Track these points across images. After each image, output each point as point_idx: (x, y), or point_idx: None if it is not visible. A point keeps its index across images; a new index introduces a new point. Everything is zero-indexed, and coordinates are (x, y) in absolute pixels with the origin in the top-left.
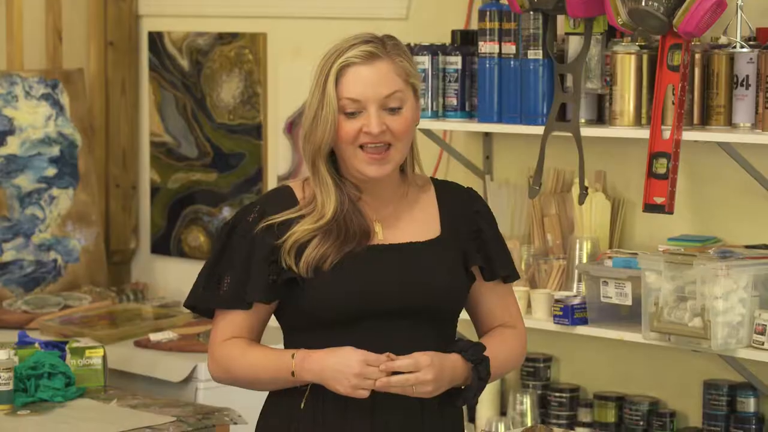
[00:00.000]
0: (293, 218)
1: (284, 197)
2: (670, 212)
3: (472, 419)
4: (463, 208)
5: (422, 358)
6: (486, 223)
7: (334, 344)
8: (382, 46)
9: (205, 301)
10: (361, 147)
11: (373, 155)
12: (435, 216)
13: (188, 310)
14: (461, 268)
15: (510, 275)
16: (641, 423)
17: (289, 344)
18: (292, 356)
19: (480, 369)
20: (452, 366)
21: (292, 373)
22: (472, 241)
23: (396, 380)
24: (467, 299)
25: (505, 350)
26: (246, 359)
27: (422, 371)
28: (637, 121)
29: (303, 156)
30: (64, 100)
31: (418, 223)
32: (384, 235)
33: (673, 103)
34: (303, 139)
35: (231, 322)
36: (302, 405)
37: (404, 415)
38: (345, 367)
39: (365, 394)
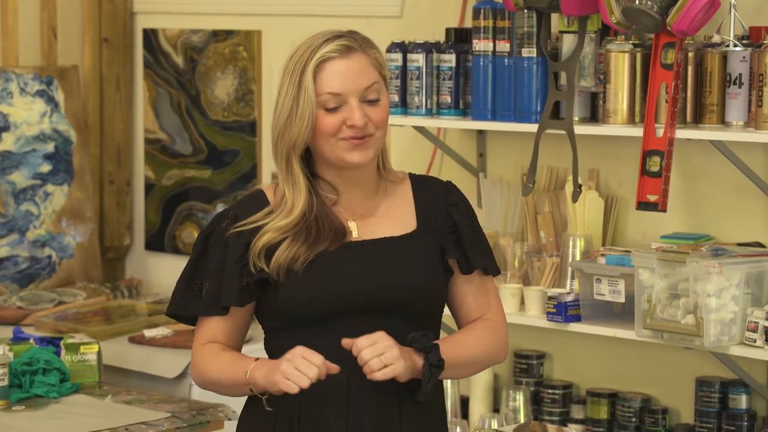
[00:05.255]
0: (265, 222)
1: (257, 201)
2: (663, 210)
3: (465, 416)
4: (439, 202)
5: (380, 333)
6: (461, 215)
7: (312, 343)
8: (354, 40)
9: (184, 309)
10: (342, 138)
11: (355, 141)
12: (411, 210)
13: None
14: (438, 262)
15: (488, 267)
16: (634, 419)
17: (269, 344)
18: (256, 359)
19: (430, 356)
20: (408, 352)
21: (246, 374)
22: (449, 235)
23: (366, 351)
24: (447, 294)
25: (471, 341)
26: (215, 362)
27: (379, 339)
28: (631, 119)
29: (275, 154)
30: (59, 96)
31: (394, 218)
32: (359, 232)
33: (667, 102)
34: (276, 137)
35: (209, 328)
36: (264, 402)
37: (380, 416)
38: (283, 357)
39: (291, 385)
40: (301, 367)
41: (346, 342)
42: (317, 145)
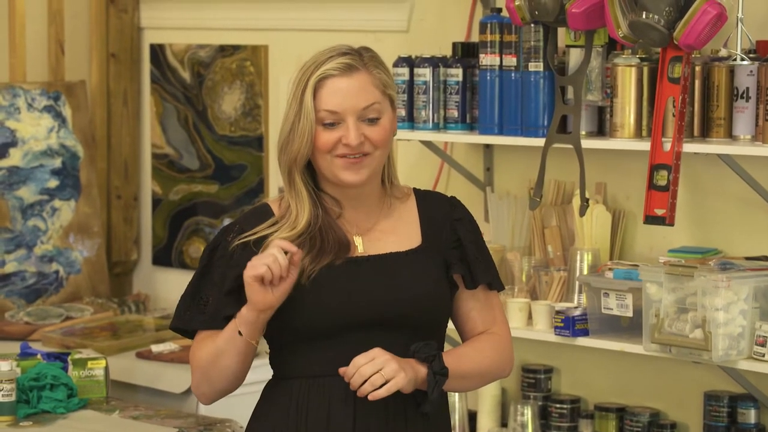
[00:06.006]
0: (269, 233)
1: (262, 214)
2: (671, 224)
3: (473, 430)
4: (443, 217)
5: (377, 350)
6: (466, 231)
7: (317, 357)
8: (359, 58)
9: (188, 323)
10: (338, 155)
11: (350, 160)
12: (416, 226)
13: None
14: (443, 277)
15: (492, 283)
16: None
17: (274, 359)
18: None
19: (434, 365)
20: (409, 363)
21: (234, 318)
22: (453, 250)
23: (366, 368)
24: (452, 308)
25: (475, 354)
26: (208, 344)
27: (376, 355)
28: (638, 133)
29: (279, 167)
30: (67, 112)
31: (398, 233)
32: (365, 247)
33: (674, 116)
34: (279, 149)
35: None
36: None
37: (387, 421)
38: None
39: (259, 268)
40: (263, 257)
41: (342, 370)
42: (315, 160)
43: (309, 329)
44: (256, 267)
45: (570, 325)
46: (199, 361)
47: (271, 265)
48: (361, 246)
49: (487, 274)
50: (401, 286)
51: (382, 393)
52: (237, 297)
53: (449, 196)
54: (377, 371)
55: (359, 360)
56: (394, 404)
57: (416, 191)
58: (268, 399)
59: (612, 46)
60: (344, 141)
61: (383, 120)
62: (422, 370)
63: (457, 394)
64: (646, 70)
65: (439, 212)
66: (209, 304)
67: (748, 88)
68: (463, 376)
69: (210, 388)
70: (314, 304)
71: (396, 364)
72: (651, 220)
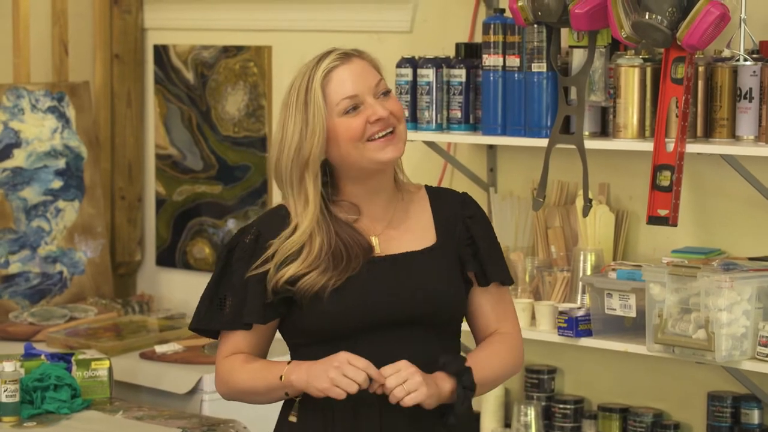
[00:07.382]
0: (292, 256)
1: (280, 218)
2: (674, 224)
3: (476, 430)
4: (456, 214)
5: (403, 362)
6: (479, 227)
7: None
8: (349, 50)
9: (207, 323)
10: (369, 139)
11: (383, 139)
12: (430, 223)
13: None
14: (458, 275)
15: (504, 280)
16: None
17: (294, 358)
18: (288, 363)
19: (463, 379)
20: (435, 380)
21: (281, 377)
22: (466, 247)
23: (390, 380)
24: (467, 305)
25: (496, 360)
26: (245, 370)
27: (401, 368)
28: (641, 134)
29: (285, 184)
30: (70, 112)
31: (413, 232)
32: (381, 247)
33: (677, 116)
34: (291, 160)
35: (233, 341)
36: (293, 418)
37: (413, 428)
38: (327, 362)
39: (341, 393)
40: (349, 374)
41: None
42: (343, 156)
43: (328, 331)
44: (339, 394)
45: (573, 325)
46: (228, 381)
47: (359, 386)
48: (377, 246)
49: (499, 272)
50: (418, 285)
51: (407, 402)
52: (257, 303)
53: (461, 192)
54: (401, 383)
55: (386, 370)
56: (421, 411)
57: (428, 188)
58: (295, 402)
59: (615, 47)
60: (373, 118)
61: (392, 93)
62: (446, 386)
63: None
64: (649, 70)
65: (452, 209)
66: (228, 304)
67: (751, 89)
68: (484, 384)
69: (233, 399)
70: (334, 307)
71: (419, 378)
72: (654, 220)
